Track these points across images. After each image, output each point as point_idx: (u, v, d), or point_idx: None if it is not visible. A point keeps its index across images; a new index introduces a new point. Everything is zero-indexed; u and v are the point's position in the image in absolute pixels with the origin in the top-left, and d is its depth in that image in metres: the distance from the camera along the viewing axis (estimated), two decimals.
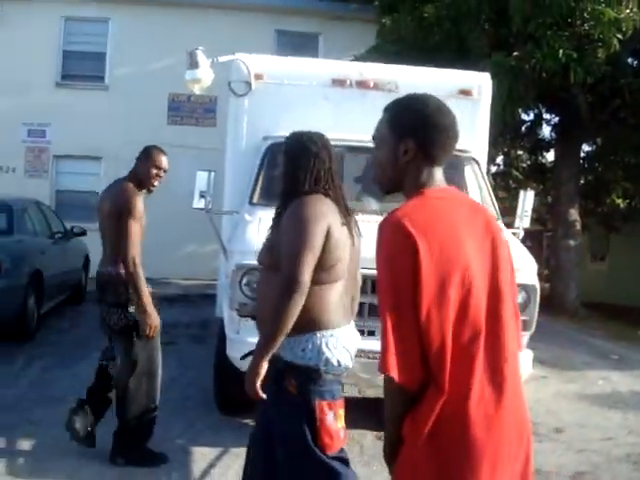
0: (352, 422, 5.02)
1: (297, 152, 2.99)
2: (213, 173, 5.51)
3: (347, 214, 2.94)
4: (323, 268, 2.72)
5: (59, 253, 8.93)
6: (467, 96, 6.16)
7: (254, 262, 4.39)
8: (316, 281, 2.71)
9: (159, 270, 13.59)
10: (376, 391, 5.65)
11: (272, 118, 5.90)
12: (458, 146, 5.89)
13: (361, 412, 5.44)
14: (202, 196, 5.43)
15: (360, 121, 5.98)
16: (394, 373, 1.86)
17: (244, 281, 4.46)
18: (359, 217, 5.01)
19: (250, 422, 5.07)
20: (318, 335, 2.73)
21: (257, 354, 2.67)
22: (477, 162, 5.88)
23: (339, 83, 6.06)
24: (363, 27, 14.43)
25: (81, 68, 14.98)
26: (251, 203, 5.29)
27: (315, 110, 5.95)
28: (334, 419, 2.73)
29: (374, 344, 4.47)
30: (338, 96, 6.04)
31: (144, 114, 13.95)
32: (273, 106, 5.96)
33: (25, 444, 4.50)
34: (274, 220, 2.94)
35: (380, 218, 5.06)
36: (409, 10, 13.17)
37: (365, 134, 5.63)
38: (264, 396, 2.68)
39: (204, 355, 6.92)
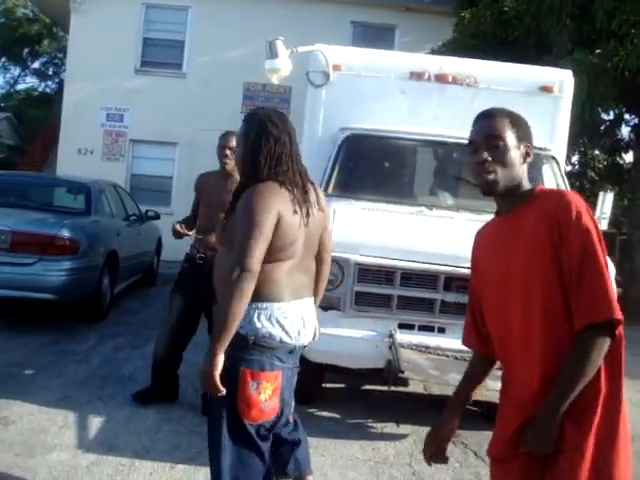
0: (418, 419, 5.08)
1: (258, 135, 2.88)
2: None
3: (304, 199, 2.90)
4: (272, 250, 2.78)
5: (133, 235, 9.13)
6: (548, 93, 6.00)
7: None
8: (263, 260, 2.75)
9: None
10: (442, 388, 5.63)
11: (349, 109, 5.88)
12: (537, 144, 5.81)
13: (426, 408, 5.43)
14: None
15: (437, 115, 5.98)
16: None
17: None
18: (433, 212, 5.04)
19: (316, 411, 5.12)
20: (253, 306, 2.79)
21: (213, 345, 2.66)
22: (556, 161, 5.74)
23: (417, 76, 5.99)
24: (439, 20, 14.25)
25: (160, 55, 15.26)
26: (326, 194, 5.28)
27: (392, 102, 5.91)
28: (256, 389, 2.79)
29: (444, 341, 4.47)
30: (415, 89, 5.97)
31: (219, 102, 14.12)
32: (350, 97, 5.93)
33: (95, 420, 4.60)
34: (231, 203, 2.93)
35: (455, 213, 5.01)
36: (489, 4, 12.94)
37: (442, 128, 5.68)
38: (224, 391, 2.69)
39: None
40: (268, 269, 2.81)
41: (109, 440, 4.28)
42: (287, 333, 2.87)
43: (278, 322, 2.84)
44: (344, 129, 5.69)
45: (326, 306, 4.51)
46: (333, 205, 4.95)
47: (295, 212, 2.83)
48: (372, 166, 5.71)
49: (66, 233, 6.84)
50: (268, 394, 2.84)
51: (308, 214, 2.88)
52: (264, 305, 2.82)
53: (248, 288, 2.67)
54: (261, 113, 2.96)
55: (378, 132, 5.63)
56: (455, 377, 4.09)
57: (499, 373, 4.18)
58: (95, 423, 4.57)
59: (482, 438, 4.85)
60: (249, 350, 2.79)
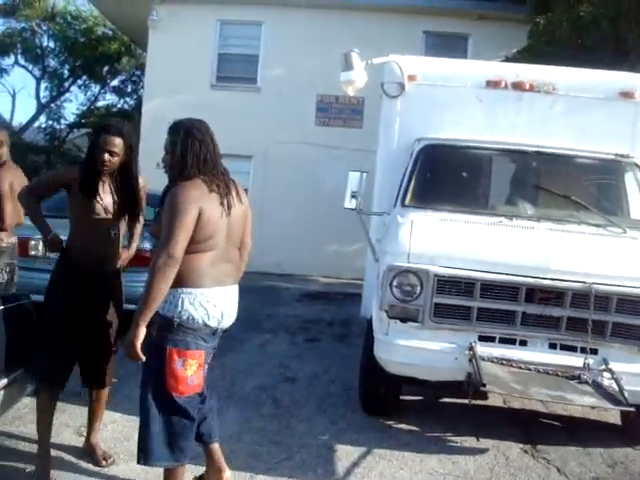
0: (498, 433, 4.99)
1: (185, 139, 3.34)
2: (365, 174, 5.55)
3: (226, 192, 3.31)
4: (194, 241, 3.15)
5: None
6: (629, 98, 5.83)
7: (406, 264, 4.46)
8: (187, 251, 3.13)
9: (301, 267, 13.98)
10: (523, 402, 5.52)
11: (425, 119, 5.85)
12: (618, 151, 5.67)
13: (506, 422, 5.33)
14: (353, 196, 5.47)
15: (514, 123, 5.89)
16: None
17: (395, 283, 4.46)
18: (513, 222, 4.95)
19: (393, 424, 5.09)
20: (179, 291, 3.16)
21: (136, 318, 3.07)
22: (639, 168, 5.57)
23: (494, 84, 5.92)
24: (513, 27, 14.00)
25: (235, 70, 15.49)
26: (403, 205, 5.27)
27: (468, 112, 5.86)
28: (182, 366, 3.21)
29: (526, 354, 4.38)
30: (492, 98, 5.90)
31: (293, 115, 14.26)
32: (426, 107, 5.91)
33: None
34: (161, 198, 3.34)
35: (536, 223, 4.93)
36: (564, 9, 12.66)
37: (520, 137, 5.59)
38: (143, 358, 3.15)
39: (347, 353, 7.02)
40: (193, 259, 3.18)
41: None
42: (209, 316, 3.25)
43: (202, 306, 3.21)
44: (420, 139, 5.67)
45: (405, 317, 4.51)
46: (410, 216, 4.95)
47: (218, 205, 3.25)
48: (449, 176, 5.66)
49: (147, 245, 7.01)
50: (193, 370, 3.27)
51: (229, 206, 3.30)
52: (188, 290, 3.19)
53: (171, 272, 3.06)
54: (185, 121, 3.45)
55: (455, 142, 5.59)
56: (538, 391, 4.02)
57: (586, 389, 4.09)
58: None
59: (565, 453, 4.75)
60: (175, 331, 3.19)
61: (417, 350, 4.45)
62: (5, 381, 4.00)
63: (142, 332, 3.09)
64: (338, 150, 13.59)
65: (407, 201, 5.29)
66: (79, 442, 4.37)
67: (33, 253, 6.87)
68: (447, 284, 4.42)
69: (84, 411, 4.86)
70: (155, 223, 3.45)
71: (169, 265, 3.04)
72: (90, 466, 4.05)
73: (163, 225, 3.13)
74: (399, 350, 4.50)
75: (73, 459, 4.14)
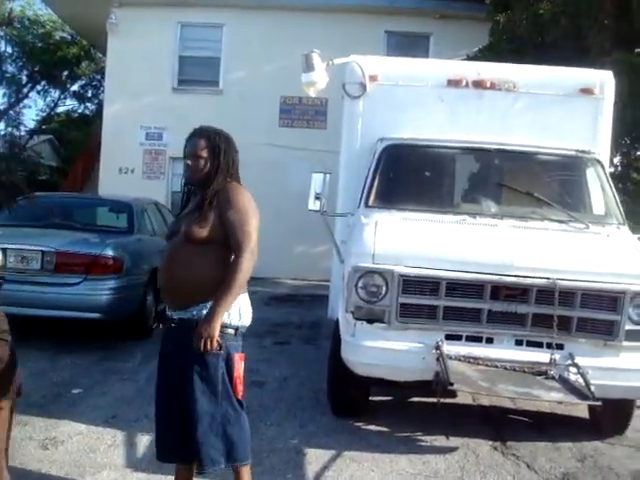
0: (467, 431, 5.00)
1: (227, 146, 3.39)
2: (329, 175, 5.51)
3: None
4: None
5: None
6: (589, 95, 5.89)
7: (371, 265, 4.44)
8: None
9: (269, 269, 13.90)
10: (492, 400, 5.53)
11: (387, 119, 5.85)
12: (579, 147, 5.71)
13: (476, 420, 5.33)
14: (317, 198, 5.43)
15: (476, 122, 5.91)
16: None
17: (360, 284, 4.43)
18: (476, 220, 4.96)
19: (363, 425, 5.06)
20: (239, 298, 3.27)
21: (216, 313, 3.13)
22: (601, 164, 5.62)
23: (455, 83, 5.93)
24: (474, 26, 14.10)
25: (196, 73, 15.38)
26: (367, 205, 5.25)
27: (430, 111, 5.87)
28: (241, 369, 3.31)
29: (493, 351, 4.39)
30: (453, 97, 5.91)
31: (256, 117, 14.19)
32: (388, 107, 5.90)
33: (143, 438, 4.59)
34: (201, 201, 3.30)
35: (499, 221, 4.94)
36: (524, 7, 12.78)
37: (482, 135, 5.60)
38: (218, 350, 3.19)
39: (316, 356, 6.96)
40: None
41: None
42: (249, 318, 3.38)
43: (248, 309, 3.37)
44: (382, 139, 5.65)
45: (371, 319, 4.49)
46: (374, 217, 4.93)
47: None
48: (412, 176, 5.66)
49: (110, 252, 6.92)
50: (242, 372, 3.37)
51: None
52: (243, 295, 3.33)
53: (250, 272, 3.21)
54: (219, 130, 3.47)
55: (417, 141, 5.59)
56: (505, 388, 4.02)
57: (553, 384, 4.11)
58: (143, 441, 4.57)
59: (534, 449, 4.77)
60: (237, 337, 3.32)
61: (384, 351, 4.43)
62: None
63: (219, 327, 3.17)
64: (303, 151, 13.57)
65: (370, 201, 5.27)
66: (44, 455, 4.26)
67: None
68: (412, 284, 4.41)
69: (49, 423, 4.79)
70: (197, 226, 3.26)
71: (252, 261, 3.20)
72: (58, 478, 3.95)
73: (240, 224, 3.21)
74: (366, 351, 4.47)
75: (37, 473, 4.03)
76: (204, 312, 3.21)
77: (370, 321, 4.48)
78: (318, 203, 5.45)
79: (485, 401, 5.66)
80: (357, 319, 4.50)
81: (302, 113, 14.77)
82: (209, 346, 3.12)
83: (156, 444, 3.57)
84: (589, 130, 5.89)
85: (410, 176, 5.64)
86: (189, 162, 3.36)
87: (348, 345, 4.59)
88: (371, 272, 4.42)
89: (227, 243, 3.27)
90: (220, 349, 3.22)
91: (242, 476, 3.42)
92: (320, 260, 12.23)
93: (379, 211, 5.07)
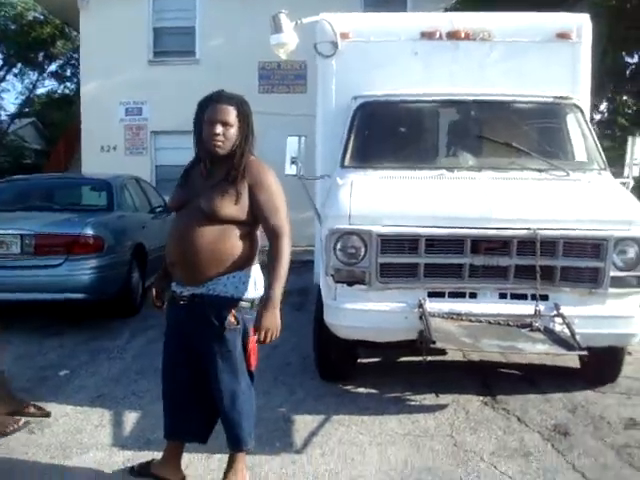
0: (457, 388, 4.95)
1: (250, 115, 3.22)
2: (304, 138, 5.38)
3: None
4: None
5: (160, 227, 9.04)
6: (565, 39, 5.75)
7: (348, 226, 4.34)
8: (255, 228, 3.26)
9: None
10: (482, 355, 5.49)
11: (361, 77, 5.70)
12: (557, 93, 5.57)
13: (466, 376, 5.29)
14: (293, 162, 5.32)
15: (452, 74, 5.76)
16: None
17: (338, 246, 4.34)
18: (454, 174, 4.86)
19: (352, 388, 5.01)
20: (253, 270, 3.25)
21: (276, 305, 3.08)
22: (580, 109, 5.50)
23: (428, 36, 5.78)
24: None
25: (172, 44, 15.13)
26: (343, 166, 5.14)
27: (404, 66, 5.72)
28: (255, 340, 3.21)
29: (476, 306, 4.32)
30: (428, 49, 5.76)
31: (235, 84, 13.50)
32: (361, 65, 5.75)
33: (130, 416, 4.55)
34: (230, 176, 3.15)
35: (477, 174, 4.84)
36: None
37: (458, 87, 5.47)
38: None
39: (304, 322, 6.88)
40: (256, 236, 3.27)
41: (145, 435, 4.22)
42: (262, 290, 3.31)
43: (260, 282, 3.30)
44: (356, 97, 5.52)
45: (351, 281, 4.41)
46: (350, 177, 4.83)
47: None
48: (388, 133, 5.53)
49: (90, 231, 6.80)
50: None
51: None
52: (257, 267, 3.29)
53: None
54: (242, 96, 3.27)
55: (391, 97, 5.46)
56: (489, 342, 3.97)
57: (538, 336, 4.05)
58: (130, 419, 4.52)
59: (525, 402, 4.73)
60: (252, 310, 3.22)
61: (366, 313, 4.36)
62: None
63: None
64: (285, 117, 13.35)
65: (346, 162, 5.16)
66: (30, 440, 4.20)
67: None
68: (391, 243, 4.32)
69: (45, 406, 4.72)
70: (224, 199, 3.12)
71: (290, 249, 3.18)
72: (42, 462, 3.89)
73: (275, 205, 3.16)
74: (348, 314, 4.40)
75: (22, 458, 3.97)
76: (219, 287, 3.16)
77: (350, 283, 4.40)
78: (294, 167, 5.33)
79: (475, 357, 5.62)
80: (337, 282, 4.43)
81: (281, 78, 14.55)
82: (271, 339, 3.08)
83: (165, 422, 3.54)
84: (567, 76, 5.75)
85: (386, 134, 5.51)
86: (218, 130, 3.10)
87: (330, 309, 4.52)
88: (348, 233, 4.33)
89: (251, 222, 3.19)
90: (238, 324, 3.18)
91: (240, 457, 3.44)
92: (307, 226, 12.12)
93: (355, 171, 4.96)
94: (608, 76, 12.09)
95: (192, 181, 3.29)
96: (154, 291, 3.56)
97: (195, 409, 3.43)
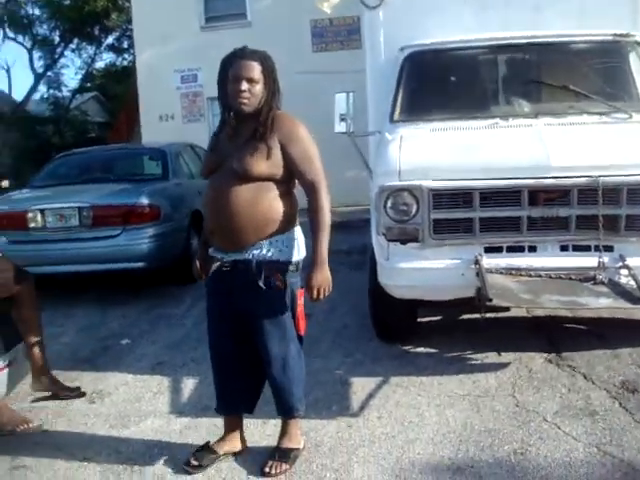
0: (520, 345, 4.77)
1: (275, 70, 3.11)
2: (352, 94, 5.19)
3: None
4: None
5: None
6: None
7: (398, 182, 4.18)
8: (291, 188, 3.17)
9: None
10: (547, 311, 5.27)
11: (410, 27, 5.45)
12: (617, 30, 5.20)
13: (530, 333, 5.11)
14: (342, 119, 5.15)
15: (505, 17, 5.45)
16: None
17: (389, 204, 4.18)
18: (509, 122, 4.62)
19: (411, 349, 4.90)
20: (295, 231, 3.18)
21: (325, 260, 3.05)
22: None
23: None
24: None
25: (223, 8, 15.00)
26: (392, 121, 4.94)
27: (454, 12, 5.44)
28: (303, 304, 3.20)
29: (536, 260, 4.12)
30: None
31: (289, 45, 13.71)
32: (409, 14, 5.50)
33: (189, 383, 4.56)
34: (259, 132, 3.04)
35: (534, 120, 4.58)
36: None
37: (512, 30, 5.18)
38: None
39: (363, 280, 6.76)
40: (295, 196, 3.19)
41: (202, 401, 4.20)
42: (304, 252, 3.22)
43: (303, 244, 3.20)
44: (404, 48, 5.29)
45: (404, 239, 4.26)
46: (400, 131, 4.65)
47: None
48: (438, 83, 5.27)
49: (145, 200, 6.84)
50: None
51: None
52: (298, 229, 3.21)
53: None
54: (265, 51, 3.14)
55: (440, 45, 5.20)
56: (549, 298, 3.77)
57: (602, 289, 3.83)
58: (189, 386, 4.53)
59: (591, 358, 4.53)
60: (297, 272, 3.17)
61: (421, 271, 4.20)
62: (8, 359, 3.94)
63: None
64: (341, 74, 13.03)
65: (396, 116, 4.97)
66: (90, 409, 4.26)
67: (32, 225, 6.72)
68: (444, 197, 4.13)
69: (96, 377, 4.79)
70: (261, 162, 3.01)
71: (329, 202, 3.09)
72: (102, 431, 3.94)
73: (310, 159, 3.07)
74: (402, 273, 4.26)
75: (82, 427, 4.02)
76: (263, 251, 3.08)
77: (403, 242, 4.24)
78: (344, 124, 5.17)
79: (540, 312, 5.39)
80: (390, 240, 4.28)
81: (335, 35, 14.25)
82: (324, 295, 3.04)
83: (217, 396, 3.47)
84: (627, 11, 5.38)
85: (436, 84, 5.25)
86: (243, 87, 2.98)
87: (383, 269, 4.39)
88: (399, 190, 4.17)
89: (287, 179, 3.09)
90: (285, 287, 3.12)
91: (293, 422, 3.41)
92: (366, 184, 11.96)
93: (404, 125, 4.77)
94: None
95: (221, 144, 3.18)
96: (197, 263, 3.45)
97: (242, 380, 3.37)
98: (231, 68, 3.03)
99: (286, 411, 3.34)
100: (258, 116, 3.04)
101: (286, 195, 3.12)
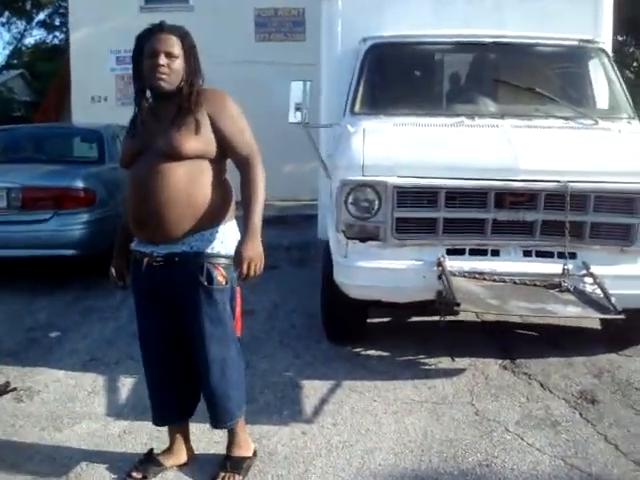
0: (473, 350, 4.66)
1: (195, 47, 2.85)
2: (309, 83, 4.98)
3: None
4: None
5: None
6: None
7: (361, 177, 3.98)
8: (226, 170, 2.91)
9: None
10: (497, 315, 5.17)
11: (369, 18, 5.29)
12: (581, 36, 5.15)
13: (481, 338, 5.01)
14: (298, 109, 4.92)
15: (467, 14, 5.33)
16: None
17: (350, 199, 3.98)
18: (475, 121, 4.49)
19: (362, 351, 4.72)
20: (231, 223, 2.93)
21: (258, 232, 2.75)
22: (606, 54, 5.12)
23: None
24: None
25: None
26: (353, 113, 4.75)
27: (416, 5, 5.31)
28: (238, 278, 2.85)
29: (499, 265, 3.99)
30: None
31: (231, 33, 13.38)
32: (370, 4, 5.35)
33: (126, 382, 4.25)
34: (183, 108, 2.75)
35: (500, 121, 4.44)
36: None
37: (474, 28, 5.05)
38: None
39: (307, 279, 6.57)
40: (229, 182, 2.94)
41: (142, 403, 3.84)
42: None
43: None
44: (366, 39, 5.11)
45: (364, 237, 4.07)
46: (362, 124, 4.45)
47: None
48: (401, 77, 5.11)
49: (80, 184, 6.43)
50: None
51: None
52: (234, 222, 2.97)
53: None
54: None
55: (404, 38, 5.04)
56: (517, 305, 3.65)
57: (568, 297, 3.73)
58: (126, 385, 4.22)
59: (546, 366, 4.45)
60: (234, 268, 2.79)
61: (381, 271, 4.01)
62: None
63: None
64: (283, 66, 12.81)
65: (357, 108, 4.78)
66: (18, 409, 3.90)
67: None
68: (408, 195, 3.95)
69: (23, 372, 4.42)
70: (183, 134, 2.73)
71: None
72: (32, 434, 3.59)
73: (242, 132, 2.83)
74: (360, 273, 4.06)
75: (10, 430, 3.66)
76: (204, 243, 2.80)
77: (363, 240, 4.05)
78: (299, 114, 4.94)
79: (490, 317, 5.29)
80: (349, 238, 4.07)
81: (279, 25, 13.94)
82: (255, 271, 2.70)
83: (153, 406, 3.14)
84: (590, 18, 5.36)
85: (399, 78, 5.09)
86: (162, 61, 2.69)
87: (341, 267, 4.18)
88: (361, 185, 3.97)
89: (219, 157, 2.80)
90: (226, 283, 2.85)
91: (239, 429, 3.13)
92: (309, 178, 11.69)
93: (367, 118, 4.58)
94: (621, 28, 11.62)
95: (140, 129, 2.85)
96: (113, 270, 3.07)
97: (178, 385, 3.06)
98: (148, 43, 2.76)
99: (220, 419, 3.03)
100: (180, 95, 2.76)
101: (221, 179, 2.86)
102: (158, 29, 2.78)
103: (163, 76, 2.72)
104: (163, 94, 2.77)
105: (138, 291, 2.97)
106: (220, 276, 2.82)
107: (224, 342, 2.91)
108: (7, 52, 26.15)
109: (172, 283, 2.83)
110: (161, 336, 2.97)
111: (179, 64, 2.75)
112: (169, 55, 2.72)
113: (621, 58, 16.59)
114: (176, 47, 2.74)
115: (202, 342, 2.87)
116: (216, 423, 3.06)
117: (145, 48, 2.76)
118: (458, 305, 3.50)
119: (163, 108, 2.80)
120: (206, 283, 2.80)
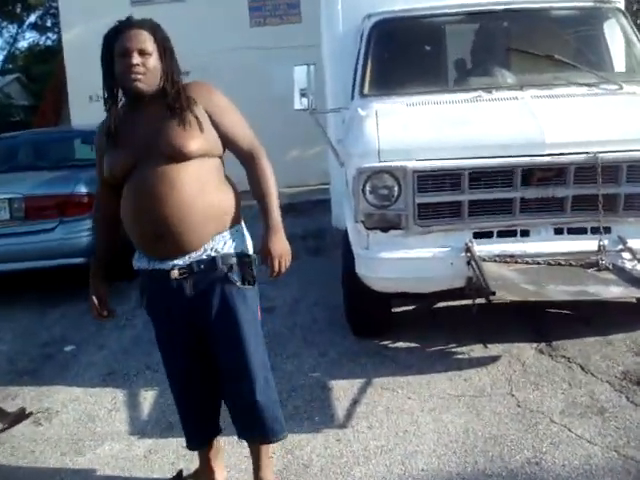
0: (505, 335, 4.44)
1: (169, 39, 2.62)
2: (313, 66, 4.74)
3: None
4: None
5: None
6: None
7: (378, 163, 3.76)
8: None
9: None
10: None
11: None
12: None
13: (512, 320, 4.78)
14: (303, 95, 4.69)
15: None
16: None
17: (368, 187, 3.76)
18: (493, 95, 4.25)
19: (390, 344, 4.51)
20: (243, 223, 2.76)
21: (278, 215, 2.64)
22: (624, 13, 4.85)
23: None
24: None
25: None
26: (362, 95, 4.52)
27: None
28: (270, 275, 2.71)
29: (530, 246, 3.77)
30: None
31: (225, 20, 13.10)
32: None
33: (147, 395, 4.08)
34: (172, 109, 2.52)
35: (519, 92, 4.19)
36: None
37: None
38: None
39: (326, 268, 6.35)
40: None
41: (166, 418, 3.72)
42: None
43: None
44: (370, 16, 4.85)
45: (385, 226, 3.85)
46: (373, 107, 4.22)
47: None
48: (410, 54, 4.83)
49: (83, 189, 6.21)
50: None
51: None
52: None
53: None
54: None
55: (411, 12, 4.78)
56: (555, 289, 3.43)
57: (608, 276, 3.51)
58: (148, 399, 4.03)
59: (584, 346, 4.22)
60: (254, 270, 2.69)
61: (405, 261, 3.81)
62: None
63: None
64: (280, 50, 12.53)
65: (366, 90, 4.54)
66: (37, 433, 3.72)
67: None
68: (429, 179, 3.74)
69: (40, 392, 4.24)
70: (183, 134, 2.51)
71: None
72: (52, 459, 3.42)
73: (241, 125, 2.66)
74: (384, 264, 3.86)
75: (30, 456, 3.49)
76: (228, 244, 2.60)
77: (384, 229, 3.84)
78: (305, 100, 4.71)
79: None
80: (369, 228, 3.87)
81: (273, 9, 13.63)
82: (285, 266, 2.61)
83: (187, 431, 2.92)
84: None
85: (407, 55, 4.82)
86: (135, 60, 2.45)
87: (362, 259, 3.97)
88: (379, 172, 3.75)
89: (218, 153, 2.61)
90: (254, 283, 2.68)
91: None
92: (315, 162, 11.49)
93: (377, 99, 4.35)
94: None
95: (126, 137, 2.57)
96: (95, 299, 2.80)
97: (211, 405, 2.87)
98: (117, 42, 2.49)
99: (276, 430, 2.77)
100: (163, 96, 2.52)
101: (223, 175, 2.67)
102: (127, 25, 2.53)
103: (139, 76, 2.48)
104: (141, 96, 2.53)
105: (159, 311, 2.74)
106: (250, 276, 2.66)
107: (261, 345, 2.74)
108: (1, 57, 25.89)
109: (203, 294, 2.60)
110: (191, 360, 2.76)
111: (154, 61, 2.51)
112: (142, 53, 2.48)
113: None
114: (148, 43, 2.51)
115: (242, 349, 2.63)
116: (268, 437, 2.78)
117: (115, 47, 2.50)
118: (493, 294, 3.29)
119: (146, 111, 2.55)
120: (240, 284, 2.63)
